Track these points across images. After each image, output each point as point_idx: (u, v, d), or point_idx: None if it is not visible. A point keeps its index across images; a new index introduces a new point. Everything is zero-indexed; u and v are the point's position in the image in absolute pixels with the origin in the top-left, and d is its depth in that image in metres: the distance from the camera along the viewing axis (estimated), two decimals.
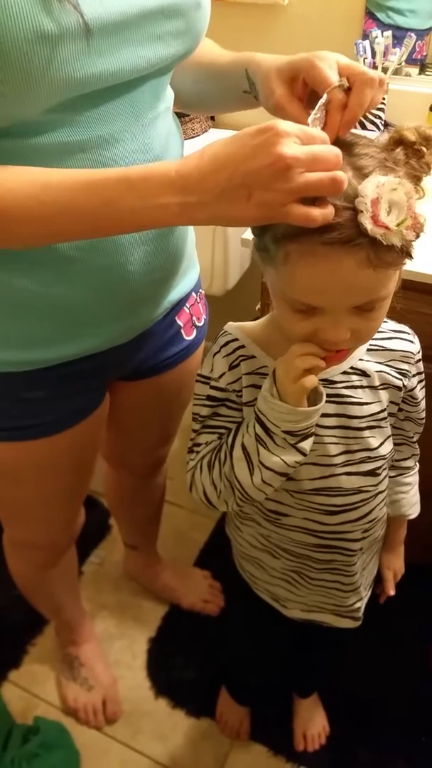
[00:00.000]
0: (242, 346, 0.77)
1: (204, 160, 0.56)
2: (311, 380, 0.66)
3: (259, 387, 0.75)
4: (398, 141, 0.61)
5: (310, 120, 0.60)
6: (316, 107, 0.61)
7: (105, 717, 1.37)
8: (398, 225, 0.57)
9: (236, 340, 0.78)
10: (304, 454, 0.71)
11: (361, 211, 0.57)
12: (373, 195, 0.56)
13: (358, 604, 0.93)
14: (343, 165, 0.56)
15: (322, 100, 0.62)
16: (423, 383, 0.85)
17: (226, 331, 0.79)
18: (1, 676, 1.44)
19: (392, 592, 1.01)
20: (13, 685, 1.43)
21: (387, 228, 0.57)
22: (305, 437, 0.70)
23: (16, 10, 0.53)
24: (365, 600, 0.95)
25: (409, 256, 0.61)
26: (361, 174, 0.58)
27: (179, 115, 0.85)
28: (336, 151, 0.55)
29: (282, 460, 0.70)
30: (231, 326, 0.80)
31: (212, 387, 0.78)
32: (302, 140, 0.54)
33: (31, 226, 0.60)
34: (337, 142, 0.61)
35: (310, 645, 1.12)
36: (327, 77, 0.63)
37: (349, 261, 0.59)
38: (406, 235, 0.58)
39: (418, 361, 0.82)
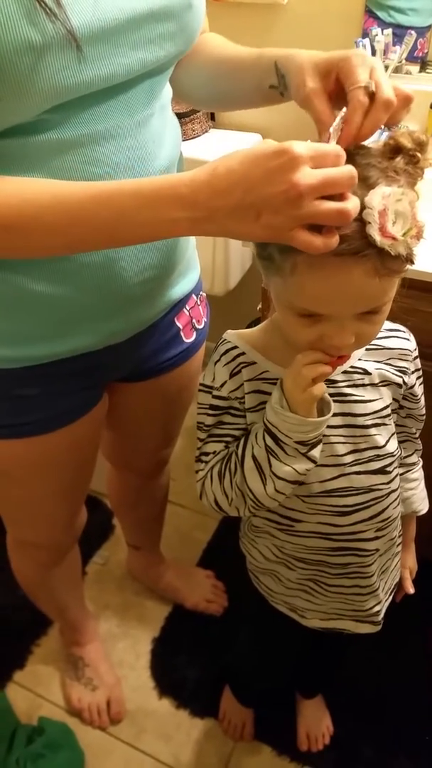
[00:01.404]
0: (242, 353, 0.78)
1: (216, 176, 0.56)
2: (320, 388, 0.68)
3: (261, 392, 0.76)
4: (396, 148, 0.61)
5: (332, 129, 0.60)
6: (336, 121, 0.60)
7: (109, 717, 1.37)
8: (404, 235, 0.58)
9: (236, 347, 0.78)
10: (315, 462, 0.72)
11: (369, 223, 0.57)
12: (380, 206, 0.57)
13: (377, 608, 0.92)
14: None
15: (341, 113, 0.61)
16: (421, 380, 0.86)
17: (225, 339, 0.80)
18: (5, 676, 1.45)
19: (411, 590, 1.01)
20: (18, 686, 1.44)
21: (394, 238, 0.58)
22: (315, 445, 0.72)
23: (1, 22, 0.53)
24: (384, 604, 0.94)
25: (412, 262, 0.62)
26: (366, 185, 0.58)
27: (179, 116, 0.84)
28: (350, 172, 0.55)
29: (293, 469, 0.71)
30: (230, 334, 0.80)
31: (214, 396, 0.79)
32: (315, 162, 0.54)
33: (44, 238, 0.61)
34: None
35: (318, 647, 1.11)
36: (355, 72, 0.61)
37: (358, 271, 0.59)
38: (411, 243, 0.60)
39: (416, 358, 0.83)
